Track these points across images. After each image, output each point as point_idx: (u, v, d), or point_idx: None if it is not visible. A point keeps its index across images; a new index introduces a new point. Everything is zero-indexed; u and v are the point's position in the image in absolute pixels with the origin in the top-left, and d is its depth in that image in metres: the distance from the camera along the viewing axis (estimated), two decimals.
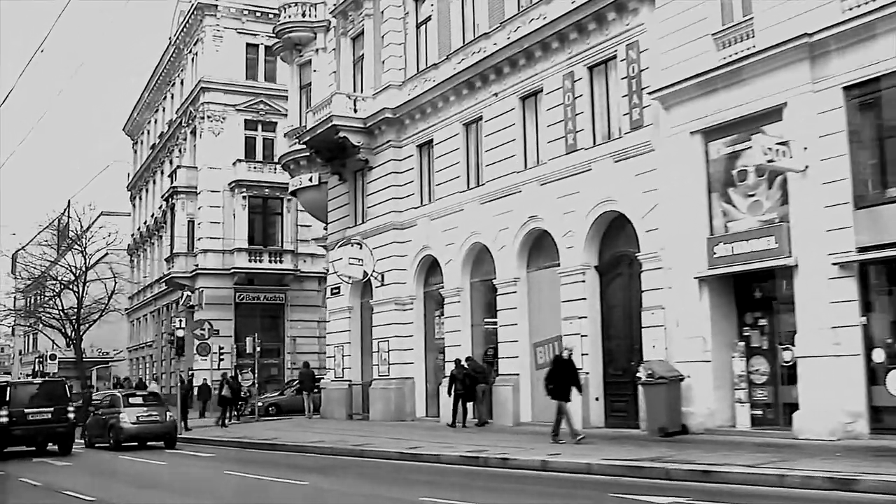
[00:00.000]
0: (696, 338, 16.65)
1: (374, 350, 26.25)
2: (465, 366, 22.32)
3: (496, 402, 21.55)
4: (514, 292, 21.39)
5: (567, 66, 20.04)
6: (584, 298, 19.35)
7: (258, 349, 33.03)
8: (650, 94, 17.63)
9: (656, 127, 17.71)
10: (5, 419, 20.96)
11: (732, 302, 16.86)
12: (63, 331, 49.46)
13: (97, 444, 23.70)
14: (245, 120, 43.55)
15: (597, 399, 19.16)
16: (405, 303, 25.40)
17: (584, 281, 19.39)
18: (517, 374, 21.18)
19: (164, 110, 53.06)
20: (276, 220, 43.30)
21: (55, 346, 51.91)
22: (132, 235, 58.53)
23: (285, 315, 43.57)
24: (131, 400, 23.20)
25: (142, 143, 59.61)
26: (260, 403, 32.37)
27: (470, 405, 22.29)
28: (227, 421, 28.70)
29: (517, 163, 21.45)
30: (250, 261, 41.87)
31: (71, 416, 21.72)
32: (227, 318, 41.06)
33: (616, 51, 18.86)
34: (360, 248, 25.76)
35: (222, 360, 36.66)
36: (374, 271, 25.78)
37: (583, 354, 19.13)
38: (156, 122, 55.29)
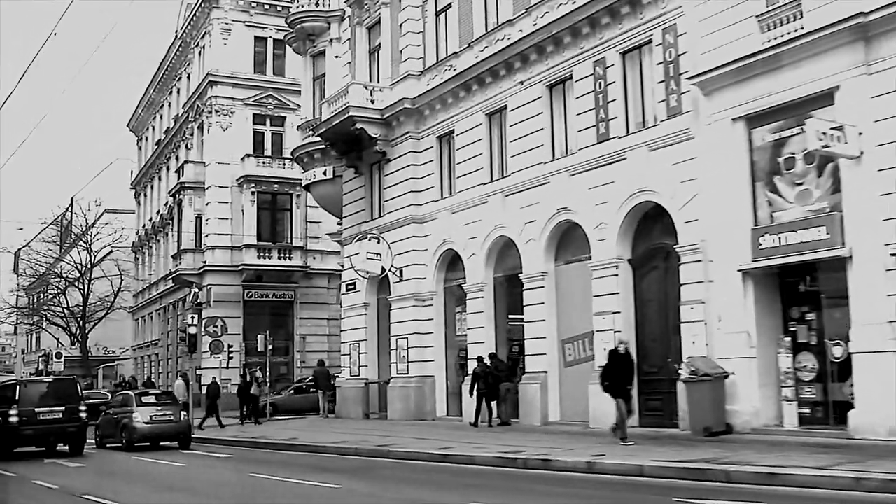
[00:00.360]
0: (739, 333, 15.93)
1: (393, 347, 25.53)
2: (488, 363, 21.61)
3: (523, 401, 20.83)
4: (542, 287, 20.66)
5: (598, 53, 19.32)
6: (618, 293, 18.62)
7: (270, 347, 32.36)
8: (689, 79, 16.91)
9: (696, 114, 16.98)
10: (15, 419, 20.23)
11: (777, 295, 16.15)
12: (68, 329, 48.76)
13: (108, 445, 22.97)
14: (253, 114, 42.81)
15: None
16: (425, 298, 24.67)
17: (617, 275, 18.66)
18: (545, 372, 20.46)
19: (169, 106, 52.31)
20: (285, 216, 42.55)
21: (60, 345, 51.18)
22: (137, 233, 57.76)
23: (294, 313, 42.85)
24: (144, 399, 22.47)
25: (146, 139, 58.87)
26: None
27: (493, 404, 21.56)
28: (258, 419, 28.34)
29: (544, 153, 20.73)
30: (259, 257, 41.14)
31: (83, 415, 20.97)
32: (235, 315, 40.28)
33: (651, 35, 18.13)
34: (378, 242, 25.02)
35: (231, 358, 36.00)
36: (392, 266, 25.05)
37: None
38: (161, 117, 54.53)
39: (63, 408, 20.74)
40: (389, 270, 25.07)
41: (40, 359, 60.79)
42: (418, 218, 24.89)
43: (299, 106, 42.92)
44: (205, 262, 41.44)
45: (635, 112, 18.73)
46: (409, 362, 24.76)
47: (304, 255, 42.14)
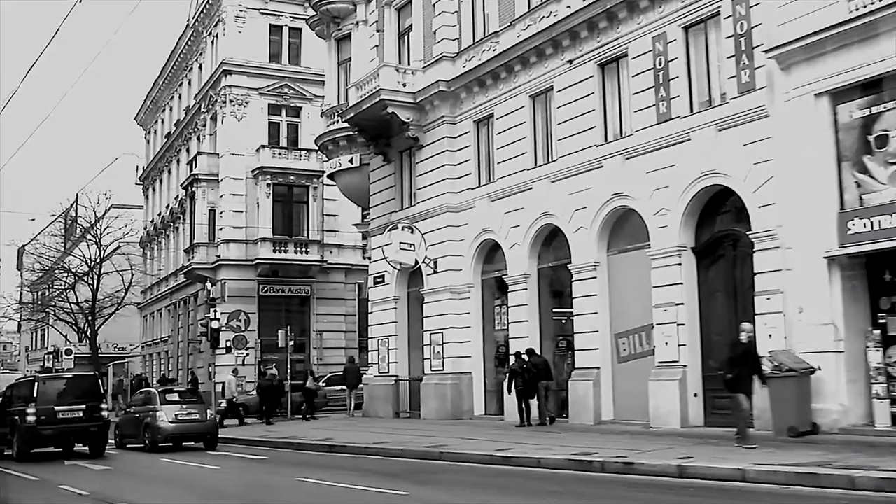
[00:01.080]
0: (824, 325, 14.71)
1: (426, 343, 24.27)
2: (526, 359, 20.41)
3: (573, 399, 19.60)
4: (594, 278, 19.42)
5: (658, 28, 18.08)
6: (681, 283, 17.37)
7: (292, 343, 31.13)
8: (765, 52, 15.66)
9: (771, 90, 15.73)
10: (33, 417, 19.00)
11: (865, 285, 14.92)
12: (76, 325, 47.48)
13: (129, 445, 21.73)
14: (269, 104, 41.56)
15: (695, 395, 17.21)
16: (461, 291, 23.43)
17: (679, 264, 17.41)
18: (597, 368, 19.22)
19: (179, 97, 51.04)
20: (301, 209, 41.26)
21: (67, 342, 49.91)
22: (145, 228, 56.46)
23: (311, 308, 41.61)
24: (168, 397, 21.18)
25: (155, 132, 57.58)
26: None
27: (532, 403, 20.39)
28: (309, 416, 27.60)
29: (596, 135, 19.49)
30: (275, 251, 39.86)
31: (104, 413, 19.73)
32: (250, 311, 38.64)
33: (719, 7, 16.87)
34: (412, 232, 23.77)
35: (247, 355, 34.79)
36: (425, 257, 23.81)
37: (679, 345, 17.23)
38: (171, 109, 53.26)
39: (84, 406, 19.51)
40: (423, 262, 23.82)
41: (47, 356, 59.57)
42: (454, 206, 23.65)
43: (316, 96, 42.05)
44: (218, 256, 40.19)
45: (700, 90, 17.49)
46: (444, 358, 23.52)
47: (320, 249, 40.90)
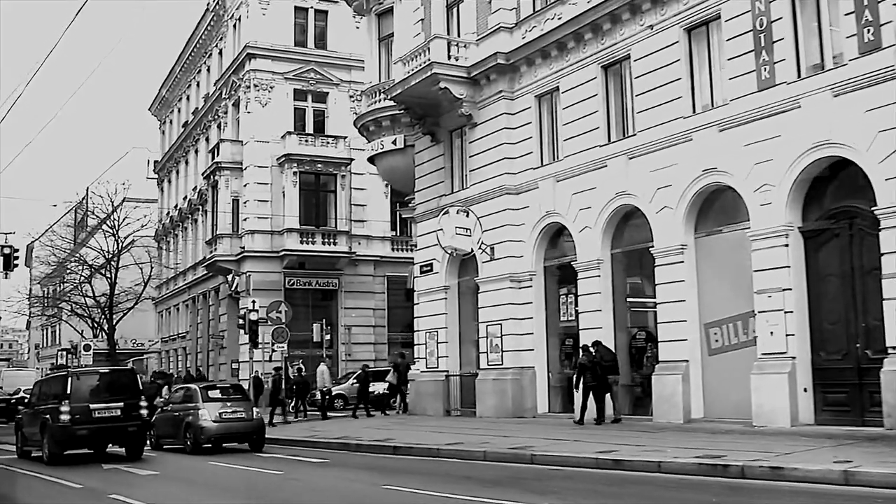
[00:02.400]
0: None
1: (482, 335, 22.57)
2: (593, 352, 18.77)
3: (658, 395, 17.86)
4: (680, 262, 17.70)
5: None
6: (787, 266, 15.65)
7: (328, 337, 29.44)
8: None
9: None
10: (66, 416, 17.21)
11: None
12: (92, 320, 45.81)
13: (166, 446, 20.00)
14: (294, 90, 39.89)
15: (805, 390, 15.49)
16: (522, 279, 21.72)
17: (786, 245, 15.69)
18: (685, 361, 17.50)
19: (198, 85, 49.33)
20: (328, 199, 39.57)
21: (83, 337, 48.24)
22: (160, 221, 54.77)
23: (338, 302, 39.92)
24: (211, 393, 19.46)
25: (171, 122, 55.91)
26: None
27: (603, 399, 18.82)
28: (393, 410, 26.39)
29: (683, 106, 17.76)
30: (302, 242, 38.20)
31: (143, 412, 17.98)
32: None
33: None
34: (467, 216, 22.04)
35: (274, 350, 33.06)
36: (481, 243, 22.09)
37: (787, 335, 15.51)
38: (188, 98, 51.55)
39: (121, 403, 17.72)
40: (478, 248, 22.10)
41: (60, 352, 57.92)
42: (512, 188, 21.93)
43: (343, 81, 40.46)
44: (242, 247, 38.55)
45: (810, 52, 15.74)
46: (502, 352, 21.81)
47: (349, 241, 39.22)
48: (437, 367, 24.32)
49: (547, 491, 10.86)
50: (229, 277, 39.07)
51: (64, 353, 56.31)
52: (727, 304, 17.06)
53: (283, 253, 37.75)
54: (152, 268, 45.72)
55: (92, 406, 17.53)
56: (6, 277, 29.97)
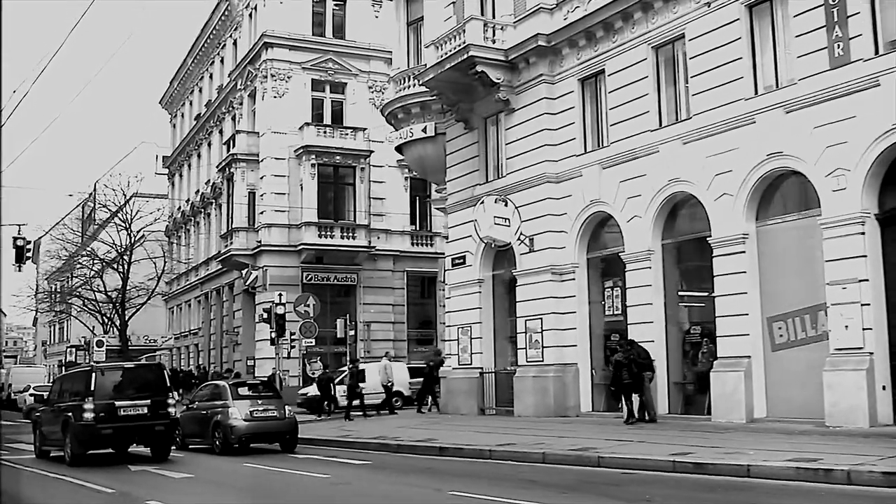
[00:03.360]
0: None
1: (520, 331, 21.54)
2: (629, 348, 18.09)
3: (717, 393, 16.82)
4: (741, 252, 16.68)
5: None
6: (864, 256, 14.63)
7: (352, 333, 28.43)
8: None
9: None
10: (91, 414, 16.21)
11: None
12: (104, 315, 44.83)
13: (192, 446, 18.99)
14: (312, 80, 38.84)
15: (883, 388, 14.49)
16: (564, 272, 20.71)
17: (863, 233, 14.67)
18: (747, 357, 16.47)
19: (211, 77, 48.32)
20: (346, 192, 38.51)
21: (93, 333, 47.29)
22: (171, 216, 53.77)
23: (357, 297, 38.88)
24: (241, 391, 18.45)
25: (182, 116, 54.91)
26: None
27: (635, 398, 18.07)
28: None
29: (744, 87, 16.73)
30: (320, 236, 37.15)
31: (171, 410, 16.99)
32: (293, 300, 36.34)
33: None
34: (506, 205, 21.01)
35: (293, 346, 32.11)
36: (520, 234, 21.07)
37: (864, 329, 14.49)
38: (200, 90, 50.55)
39: (148, 401, 16.73)
40: (517, 239, 21.08)
41: (69, 349, 57.02)
42: (553, 176, 20.92)
43: (362, 71, 39.46)
44: (259, 241, 37.54)
45: (887, 27, 14.70)
46: (543, 347, 20.80)
47: (368, 235, 38.17)
48: (471, 364, 23.31)
49: (634, 498, 9.86)
50: (245, 272, 38.09)
51: (73, 349, 55.46)
52: (793, 297, 16.05)
53: (302, 247, 36.74)
54: (165, 262, 44.66)
55: (117, 403, 16.55)
56: (19, 270, 29.00)
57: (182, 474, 14.33)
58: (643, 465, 12.14)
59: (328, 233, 37.34)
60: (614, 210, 19.51)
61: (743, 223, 16.65)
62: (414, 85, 24.80)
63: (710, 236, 17.20)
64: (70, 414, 16.77)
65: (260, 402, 18.07)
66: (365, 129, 38.13)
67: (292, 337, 31.38)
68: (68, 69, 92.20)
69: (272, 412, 17.91)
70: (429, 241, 40.51)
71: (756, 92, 16.61)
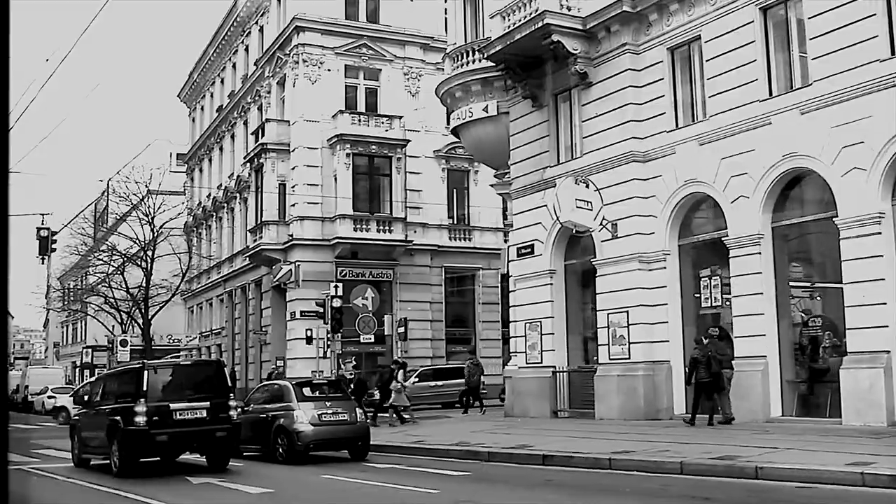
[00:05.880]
0: None
1: (602, 325, 19.65)
2: (706, 343, 16.71)
3: (849, 392, 14.87)
4: (877, 233, 14.77)
5: None
6: None
7: (401, 330, 26.50)
8: None
9: None
10: (143, 419, 14.29)
11: None
12: (127, 314, 42.96)
13: (245, 454, 17.03)
14: (345, 66, 36.94)
15: None
16: (654, 260, 18.83)
17: None
18: (885, 352, 14.55)
19: (234, 66, 46.45)
20: (383, 183, 36.58)
21: (112, 333, 45.46)
22: (191, 212, 51.83)
23: (393, 294, 36.95)
24: (306, 392, 16.52)
25: (202, 109, 53.03)
26: None
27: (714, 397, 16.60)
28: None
29: (877, 48, 14.81)
30: (355, 230, 35.22)
31: (233, 413, 15.09)
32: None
33: None
34: (587, 186, 19.10)
35: (329, 346, 30.22)
36: (602, 219, 19.17)
37: None
38: (222, 81, 48.68)
39: (207, 403, 14.86)
40: (599, 224, 19.18)
41: (85, 350, 55.21)
42: (640, 155, 19.05)
43: (397, 57, 37.54)
44: (290, 235, 35.65)
45: None
46: (629, 344, 18.90)
47: (405, 228, 36.26)
48: (541, 363, 21.41)
49: None
50: (275, 268, 36.20)
51: (90, 350, 53.63)
52: None
53: (336, 241, 34.85)
54: (190, 258, 42.76)
55: (172, 406, 14.65)
56: (43, 263, 27.16)
57: (257, 488, 12.41)
58: (817, 478, 10.22)
59: (364, 226, 35.45)
60: (714, 190, 17.60)
61: (878, 201, 14.75)
62: (474, 61, 22.96)
63: (837, 216, 15.28)
64: (118, 418, 14.86)
65: (328, 404, 16.16)
66: (401, 117, 36.30)
67: (328, 336, 29.63)
68: (79, 67, 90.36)
69: (342, 416, 16.00)
70: (467, 236, 38.65)
71: (893, 52, 14.69)
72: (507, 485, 11.75)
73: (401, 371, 23.10)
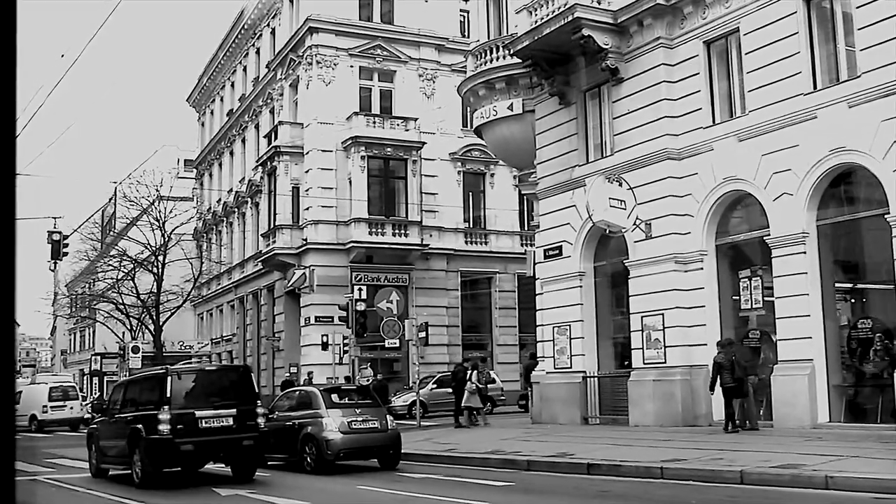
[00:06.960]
0: None
1: (635, 328, 19.01)
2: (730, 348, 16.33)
3: None
4: None
5: None
6: None
7: (423, 334, 25.84)
8: None
9: None
10: (167, 427, 13.69)
11: None
12: (137, 320, 42.38)
13: (269, 462, 16.35)
14: (360, 67, 36.39)
15: None
16: (690, 260, 18.20)
17: None
18: None
19: (245, 69, 45.97)
20: (398, 186, 36.03)
21: (122, 340, 44.87)
22: (200, 217, 51.29)
23: (409, 299, 36.22)
24: (335, 398, 15.89)
25: (212, 112, 52.54)
26: None
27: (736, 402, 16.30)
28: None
29: None
30: (371, 234, 34.65)
31: (261, 420, 14.49)
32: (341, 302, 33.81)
33: None
34: (620, 185, 18.48)
35: (346, 351, 29.66)
36: (636, 219, 18.54)
37: None
38: (233, 85, 48.18)
39: (234, 410, 14.25)
40: (633, 224, 18.56)
41: (94, 357, 54.63)
42: (675, 152, 18.43)
43: (412, 58, 37.02)
44: (304, 239, 35.08)
45: None
46: (665, 347, 18.27)
47: (420, 232, 35.65)
48: (571, 368, 20.77)
49: None
50: (288, 273, 35.62)
51: (99, 357, 53.07)
52: None
53: (351, 245, 34.29)
54: (202, 263, 42.17)
55: (198, 414, 14.05)
56: (54, 268, 26.59)
57: (291, 500, 11.79)
58: (894, 488, 9.58)
59: (379, 230, 34.88)
60: (755, 188, 16.98)
61: None
62: (498, 58, 22.38)
63: (889, 213, 14.64)
64: (140, 426, 14.28)
65: (358, 411, 15.51)
66: (416, 118, 35.76)
67: (345, 341, 29.08)
68: (88, 71, 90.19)
69: (373, 423, 15.35)
70: (483, 240, 38.06)
71: None
72: (560, 496, 11.08)
73: (474, 372, 22.57)
